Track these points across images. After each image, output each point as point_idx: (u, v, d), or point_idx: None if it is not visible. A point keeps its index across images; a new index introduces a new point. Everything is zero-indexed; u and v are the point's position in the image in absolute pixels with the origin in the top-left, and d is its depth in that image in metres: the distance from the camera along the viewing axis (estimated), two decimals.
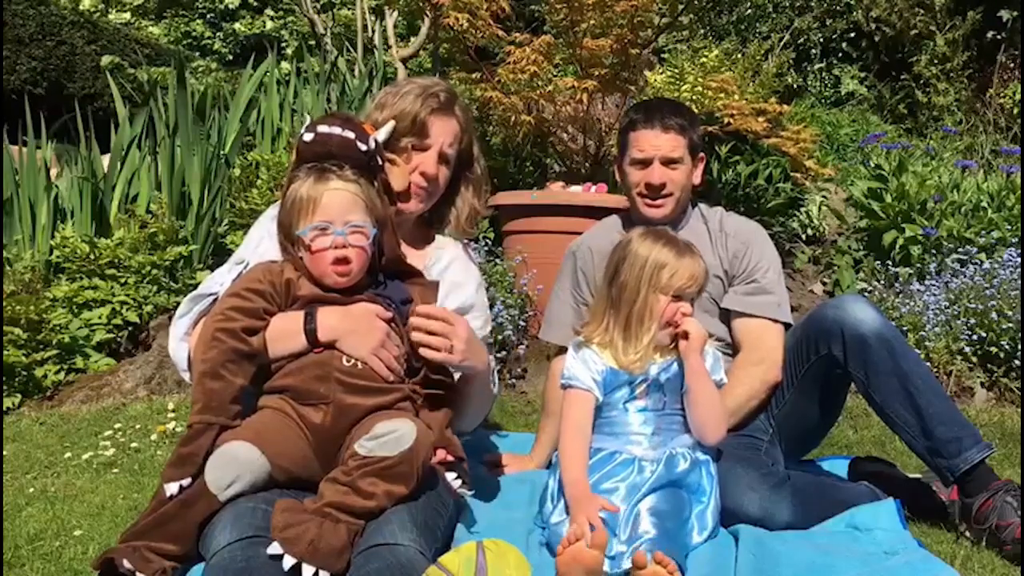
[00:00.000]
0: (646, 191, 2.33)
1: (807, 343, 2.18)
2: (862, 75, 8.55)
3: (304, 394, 1.71)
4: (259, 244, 1.94)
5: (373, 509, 1.57)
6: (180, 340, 1.85)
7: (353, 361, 1.73)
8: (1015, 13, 7.76)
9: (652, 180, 2.31)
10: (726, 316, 2.33)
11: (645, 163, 2.32)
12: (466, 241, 2.18)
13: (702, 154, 2.43)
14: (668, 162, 2.31)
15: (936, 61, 7.89)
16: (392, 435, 1.60)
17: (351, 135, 1.82)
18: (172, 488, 1.57)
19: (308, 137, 1.82)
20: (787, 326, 2.30)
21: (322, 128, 1.82)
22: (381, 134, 1.89)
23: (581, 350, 1.95)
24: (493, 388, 2.08)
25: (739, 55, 5.37)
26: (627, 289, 1.91)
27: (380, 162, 1.87)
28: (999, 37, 7.92)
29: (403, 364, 1.80)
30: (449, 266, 2.07)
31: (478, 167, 2.14)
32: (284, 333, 1.73)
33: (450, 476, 1.72)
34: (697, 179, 2.41)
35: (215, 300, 1.82)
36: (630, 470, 1.82)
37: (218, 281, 1.89)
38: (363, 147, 1.83)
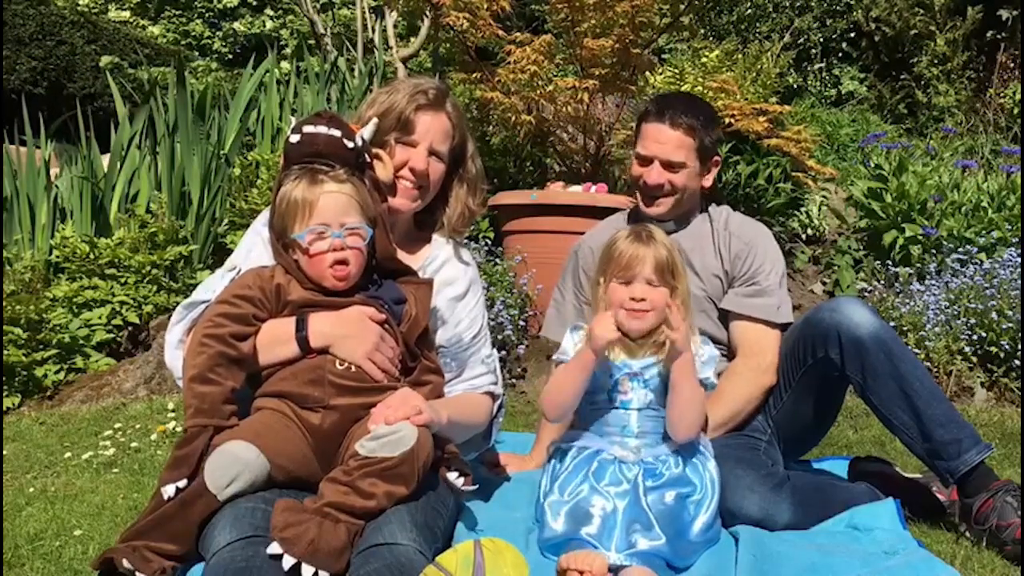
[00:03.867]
0: (643, 188, 2.32)
1: (804, 346, 2.17)
2: (862, 75, 8.55)
3: (300, 398, 1.71)
4: (251, 251, 1.94)
5: (373, 509, 1.57)
6: (175, 348, 1.85)
7: (347, 364, 1.73)
8: (1015, 12, 7.76)
9: (649, 180, 2.29)
10: (724, 317, 2.32)
11: (647, 160, 2.30)
12: (461, 240, 2.17)
13: (717, 157, 2.37)
14: (668, 165, 2.28)
15: (936, 61, 7.89)
16: (393, 436, 1.60)
17: (337, 133, 1.82)
18: (169, 491, 1.57)
19: (294, 138, 1.81)
20: (786, 327, 2.30)
21: (308, 128, 1.82)
22: (366, 132, 1.89)
23: (575, 332, 1.99)
24: (495, 408, 2.09)
25: (739, 55, 5.37)
26: (592, 280, 1.96)
27: (368, 159, 1.88)
28: (999, 37, 7.91)
29: (397, 365, 1.80)
30: (443, 266, 2.07)
31: (473, 166, 2.11)
32: (275, 340, 1.73)
33: (452, 476, 1.71)
34: (707, 183, 2.36)
35: (208, 307, 1.82)
36: (612, 470, 1.82)
37: (210, 288, 1.89)
38: (350, 144, 1.83)
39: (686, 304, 1.93)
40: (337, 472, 1.60)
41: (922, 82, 7.96)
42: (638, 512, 1.75)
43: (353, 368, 1.73)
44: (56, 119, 5.20)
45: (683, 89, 4.43)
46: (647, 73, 4.59)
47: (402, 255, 1.95)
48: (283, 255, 1.81)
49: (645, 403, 1.90)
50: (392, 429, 1.61)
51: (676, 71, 4.51)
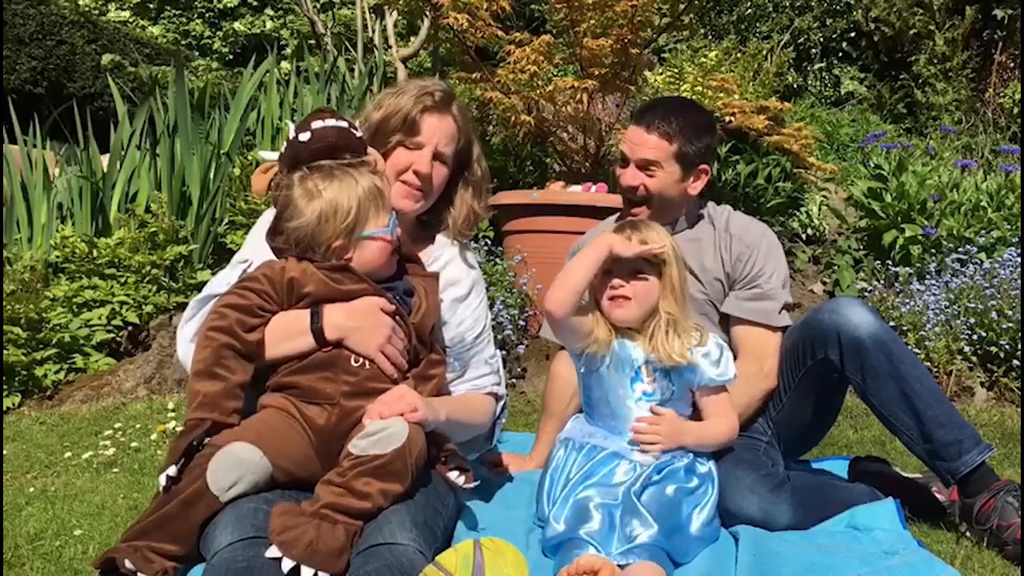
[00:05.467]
0: (621, 190, 2.31)
1: (803, 347, 2.16)
2: (861, 75, 8.55)
3: (310, 393, 1.71)
4: (259, 246, 1.93)
5: (370, 509, 1.57)
6: (188, 343, 1.83)
7: (361, 361, 1.73)
8: (1010, 11, 7.77)
9: (623, 181, 2.27)
10: (725, 319, 2.31)
11: (625, 161, 2.28)
12: (465, 241, 2.17)
13: (704, 165, 2.29)
14: (644, 165, 2.23)
15: (935, 60, 7.89)
16: (383, 433, 1.60)
17: (345, 124, 1.83)
18: (161, 480, 1.57)
19: (304, 136, 1.80)
20: (786, 329, 2.29)
21: (316, 124, 1.81)
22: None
23: None
24: (497, 411, 2.09)
25: (739, 55, 5.37)
26: None
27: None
28: (996, 36, 7.92)
29: (406, 357, 1.80)
30: (446, 267, 2.07)
31: (478, 168, 2.11)
32: (289, 332, 1.73)
33: (453, 474, 1.71)
34: (694, 191, 2.29)
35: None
36: (629, 476, 1.82)
37: (223, 282, 1.88)
38: (358, 133, 1.85)
39: (676, 292, 1.92)
40: (331, 474, 1.60)
41: (921, 81, 7.96)
42: (633, 506, 1.75)
43: (367, 365, 1.73)
44: (58, 119, 5.20)
45: (683, 88, 4.44)
46: (647, 72, 4.60)
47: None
48: (293, 250, 1.79)
49: (666, 396, 1.91)
50: (383, 425, 1.61)
51: (675, 71, 4.51)
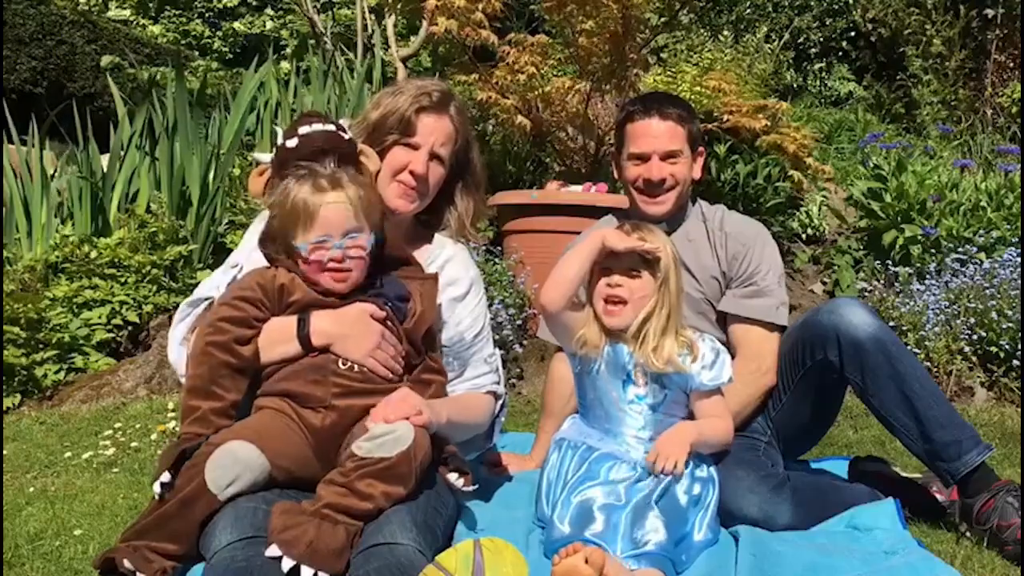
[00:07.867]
0: (644, 187, 2.29)
1: (803, 348, 2.16)
2: (857, 77, 8.54)
3: (303, 398, 1.71)
4: (253, 249, 1.94)
5: (371, 511, 1.57)
6: (179, 344, 1.85)
7: (349, 364, 1.74)
8: (1003, 11, 7.75)
9: (651, 176, 2.26)
10: (723, 318, 2.31)
11: (643, 158, 2.27)
12: (465, 242, 2.17)
13: (702, 147, 2.37)
14: (667, 156, 2.26)
15: (929, 59, 7.88)
16: (389, 436, 1.60)
17: (332, 127, 1.83)
18: (155, 488, 1.57)
19: (292, 143, 1.81)
20: (784, 328, 2.29)
21: (303, 129, 1.82)
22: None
23: None
24: (497, 408, 2.09)
25: (734, 52, 5.37)
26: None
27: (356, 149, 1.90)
28: (992, 36, 7.90)
29: (401, 363, 1.80)
30: (446, 264, 2.07)
31: (477, 170, 2.12)
32: (277, 339, 1.74)
33: (452, 476, 1.71)
34: (697, 173, 2.35)
35: (211, 304, 1.83)
36: (629, 476, 1.82)
37: (214, 284, 1.90)
38: (346, 136, 1.85)
39: (672, 299, 1.90)
40: (334, 474, 1.60)
41: (915, 80, 7.95)
42: (646, 509, 1.75)
43: (356, 368, 1.73)
44: (58, 119, 5.20)
45: (681, 89, 4.44)
46: (642, 74, 4.59)
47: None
48: (282, 258, 1.80)
49: (659, 399, 1.90)
50: (389, 428, 1.61)
51: (673, 71, 4.52)
